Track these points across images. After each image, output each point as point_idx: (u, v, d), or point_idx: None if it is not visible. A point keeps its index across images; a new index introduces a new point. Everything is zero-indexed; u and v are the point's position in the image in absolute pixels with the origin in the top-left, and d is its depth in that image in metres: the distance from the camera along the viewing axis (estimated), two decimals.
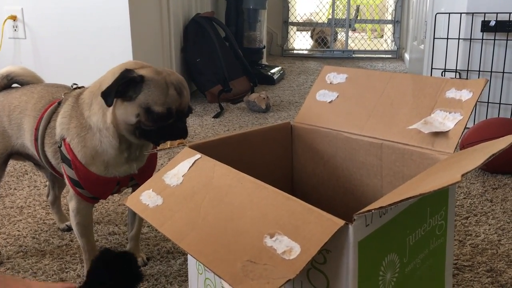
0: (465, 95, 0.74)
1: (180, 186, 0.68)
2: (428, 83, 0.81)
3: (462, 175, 0.50)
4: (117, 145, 0.90)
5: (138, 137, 0.88)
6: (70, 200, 0.96)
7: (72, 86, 1.01)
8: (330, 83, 0.95)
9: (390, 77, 0.87)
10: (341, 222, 0.51)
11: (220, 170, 0.68)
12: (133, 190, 1.02)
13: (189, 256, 0.86)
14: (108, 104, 0.84)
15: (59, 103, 0.96)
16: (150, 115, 0.84)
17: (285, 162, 1.00)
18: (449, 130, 0.73)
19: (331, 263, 0.56)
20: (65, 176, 0.94)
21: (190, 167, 0.71)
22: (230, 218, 0.59)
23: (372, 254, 0.57)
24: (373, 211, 0.51)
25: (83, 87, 0.99)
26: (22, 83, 1.07)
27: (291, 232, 0.52)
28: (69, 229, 1.23)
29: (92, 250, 1.00)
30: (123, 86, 0.83)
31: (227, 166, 0.68)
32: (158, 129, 0.86)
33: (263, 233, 0.54)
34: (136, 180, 0.97)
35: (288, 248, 0.51)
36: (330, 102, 0.92)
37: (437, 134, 0.74)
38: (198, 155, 0.73)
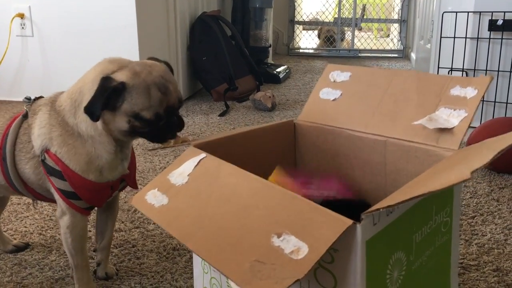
0: (470, 92, 0.74)
1: (186, 185, 0.68)
2: (432, 80, 0.81)
3: (471, 172, 0.50)
4: (113, 149, 0.86)
5: (134, 137, 0.87)
6: (61, 216, 0.89)
7: (24, 99, 0.93)
8: (334, 81, 0.94)
9: (394, 74, 0.87)
10: (349, 222, 0.51)
11: (226, 169, 0.68)
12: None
13: (194, 255, 0.86)
14: (94, 120, 0.80)
15: (24, 116, 0.90)
16: (140, 120, 0.81)
17: (288, 160, 1.00)
18: (453, 127, 0.72)
19: (338, 263, 0.55)
20: (54, 191, 0.88)
21: (196, 166, 0.71)
22: (236, 217, 0.59)
23: (379, 252, 0.57)
24: (381, 210, 0.51)
25: (36, 98, 0.93)
26: None
27: (299, 231, 0.52)
28: (17, 250, 1.12)
29: (86, 266, 0.94)
30: (106, 99, 0.79)
31: (232, 165, 0.68)
32: (153, 130, 0.84)
33: (271, 233, 0.53)
34: (125, 182, 0.93)
35: (296, 247, 0.50)
36: (333, 100, 0.92)
37: (441, 131, 0.74)
38: (203, 154, 0.73)
